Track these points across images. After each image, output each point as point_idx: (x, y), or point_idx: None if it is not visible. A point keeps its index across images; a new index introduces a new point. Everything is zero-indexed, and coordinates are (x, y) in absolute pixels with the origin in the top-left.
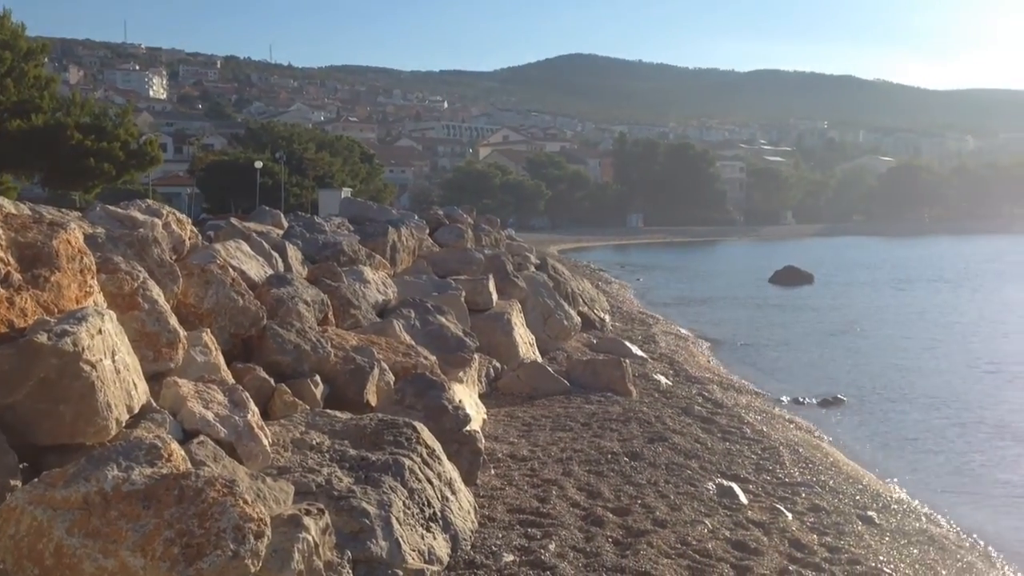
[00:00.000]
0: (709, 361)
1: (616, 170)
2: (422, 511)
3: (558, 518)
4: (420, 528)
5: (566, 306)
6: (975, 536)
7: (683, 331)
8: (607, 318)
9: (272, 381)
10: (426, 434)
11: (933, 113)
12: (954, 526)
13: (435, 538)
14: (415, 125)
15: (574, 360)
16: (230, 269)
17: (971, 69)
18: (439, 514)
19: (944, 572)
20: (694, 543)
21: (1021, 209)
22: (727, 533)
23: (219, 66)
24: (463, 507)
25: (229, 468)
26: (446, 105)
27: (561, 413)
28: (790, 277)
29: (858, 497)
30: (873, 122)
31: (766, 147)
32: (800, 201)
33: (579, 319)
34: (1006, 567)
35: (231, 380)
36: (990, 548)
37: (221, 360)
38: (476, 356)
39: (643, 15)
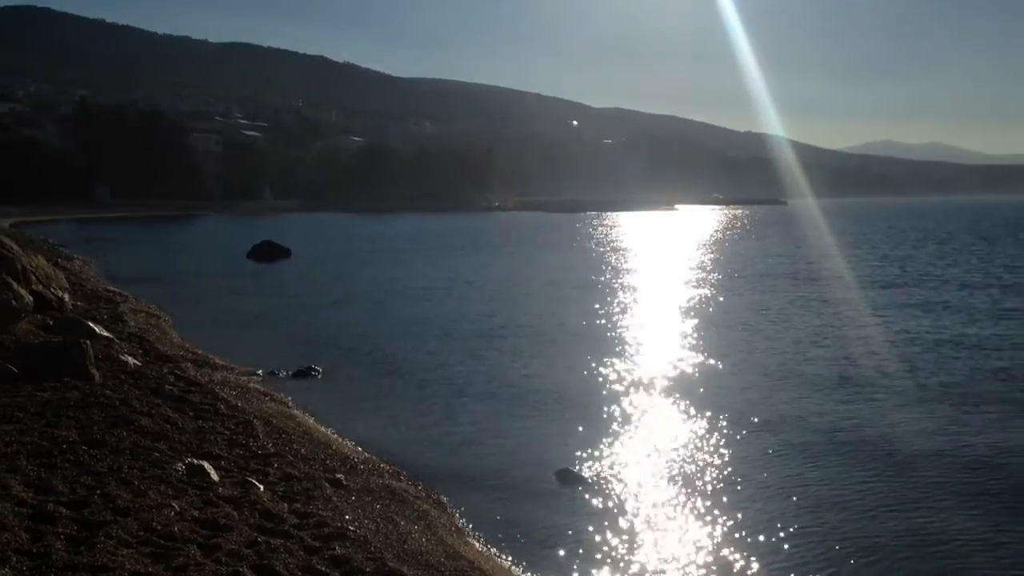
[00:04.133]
0: (183, 339)
1: (78, 138)
2: None
3: None
4: None
5: (15, 285)
6: (430, 485)
7: (154, 309)
8: (66, 297)
9: None
10: None
11: (397, 99)
12: (412, 479)
13: None
14: None
15: (25, 344)
16: None
17: (431, 59)
18: None
19: (403, 522)
20: (159, 528)
21: (475, 191)
22: (196, 513)
23: None
24: None
25: None
26: None
27: (7, 403)
28: (268, 252)
29: (328, 461)
30: (344, 103)
31: (243, 121)
32: (277, 177)
33: (32, 299)
34: (455, 512)
35: None
36: (442, 496)
37: None
38: None
39: None
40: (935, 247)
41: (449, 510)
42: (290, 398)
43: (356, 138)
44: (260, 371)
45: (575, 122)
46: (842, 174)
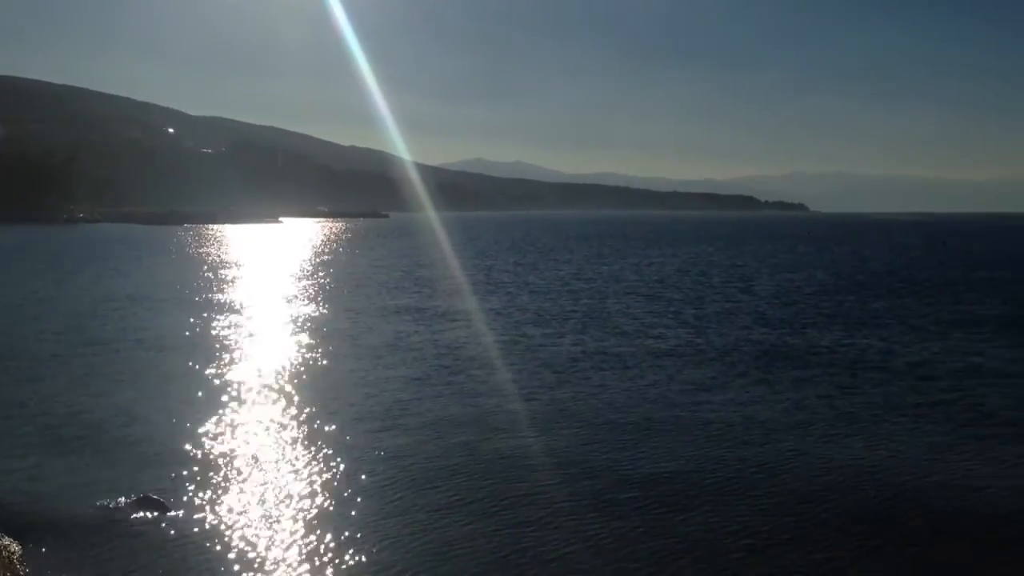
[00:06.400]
0: None
1: None
2: None
3: None
4: None
5: None
6: None
7: None
8: None
9: None
10: None
11: None
12: None
13: None
14: None
15: None
16: None
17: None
18: None
19: None
20: None
21: (56, 200)
22: None
23: None
24: None
25: None
26: None
27: None
28: None
29: None
30: None
31: None
32: None
33: None
34: (24, 568)
35: None
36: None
37: None
38: None
39: None
40: (532, 255)
41: (17, 567)
42: None
43: None
44: None
45: (171, 129)
46: (441, 189)
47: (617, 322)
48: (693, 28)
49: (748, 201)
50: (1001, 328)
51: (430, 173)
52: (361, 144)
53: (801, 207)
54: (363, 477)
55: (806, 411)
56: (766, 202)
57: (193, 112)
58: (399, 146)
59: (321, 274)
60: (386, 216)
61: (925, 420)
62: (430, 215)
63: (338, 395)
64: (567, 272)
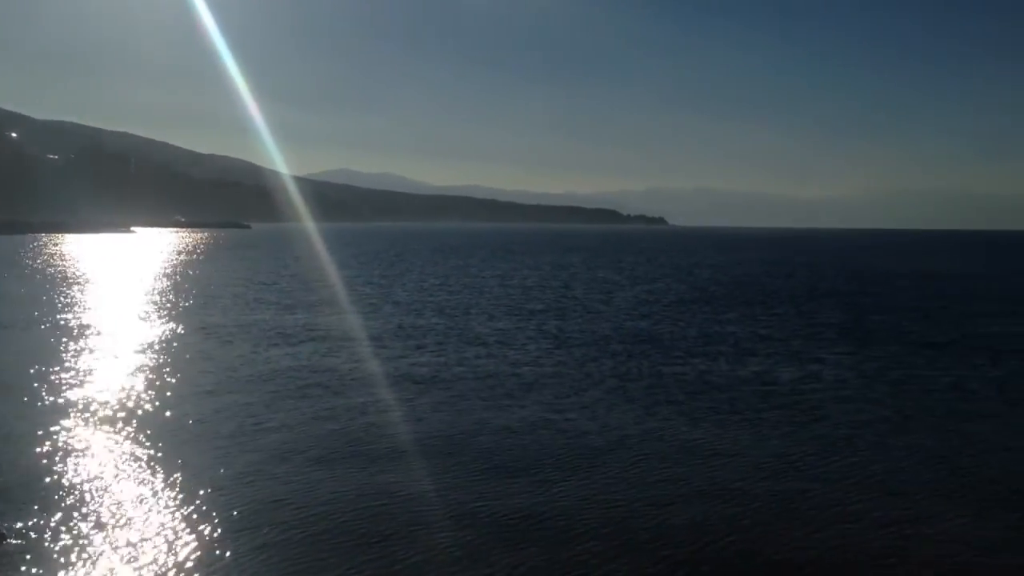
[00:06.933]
0: None
1: None
2: None
3: None
4: None
5: None
6: None
7: None
8: None
9: None
10: None
11: None
12: None
13: None
14: None
15: None
16: None
17: None
18: None
19: None
20: None
21: None
22: None
23: None
24: None
25: None
26: None
27: None
28: None
29: None
30: None
31: None
32: None
33: None
34: None
35: None
36: None
37: None
38: None
39: None
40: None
41: None
42: None
43: None
44: None
45: (14, 134)
46: (306, 199)
47: (479, 334)
48: (556, 42)
49: (611, 215)
50: (839, 335)
51: (295, 183)
52: (222, 152)
53: (662, 221)
54: (210, 499)
55: (656, 418)
56: (629, 216)
57: (39, 116)
58: (263, 154)
59: (170, 288)
60: (248, 227)
61: (765, 424)
62: (294, 226)
63: (186, 415)
64: (432, 284)
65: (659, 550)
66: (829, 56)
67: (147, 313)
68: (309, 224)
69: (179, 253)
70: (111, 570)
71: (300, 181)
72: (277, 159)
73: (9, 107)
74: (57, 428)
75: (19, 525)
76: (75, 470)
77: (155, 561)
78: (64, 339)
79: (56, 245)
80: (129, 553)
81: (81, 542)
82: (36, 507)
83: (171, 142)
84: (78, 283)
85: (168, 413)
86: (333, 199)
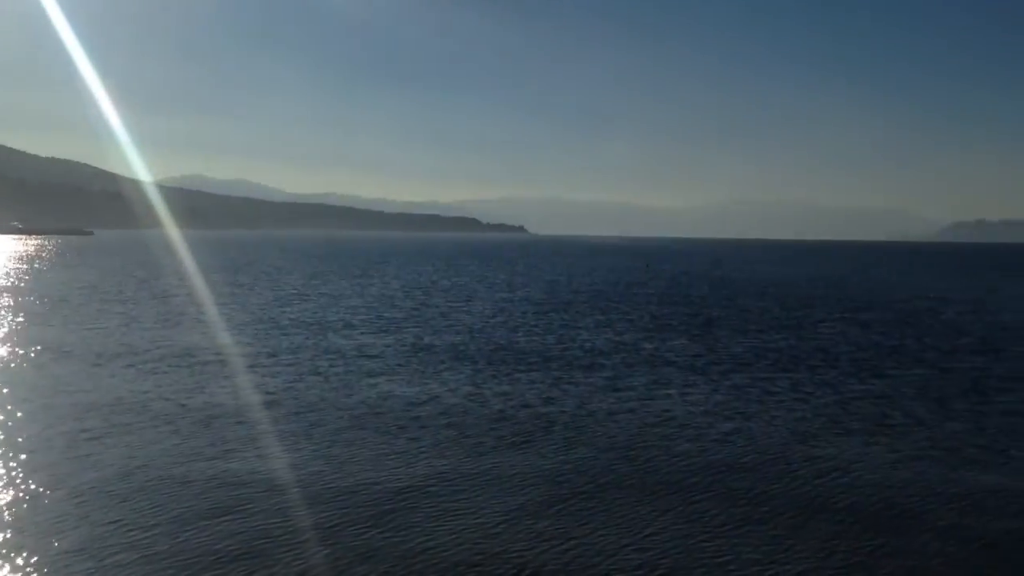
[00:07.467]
0: None
1: None
2: None
3: None
4: None
5: None
6: None
7: None
8: None
9: None
10: None
11: None
12: None
13: None
14: None
15: None
16: None
17: None
18: None
19: None
20: None
21: None
22: None
23: None
24: None
25: None
26: None
27: None
28: None
29: None
30: None
31: None
32: None
33: None
34: None
35: None
36: None
37: None
38: None
39: None
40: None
41: None
42: None
43: None
44: None
45: None
46: (156, 206)
47: (335, 343)
48: (414, 50)
49: (471, 223)
50: (689, 334)
51: (146, 188)
52: (69, 156)
53: (521, 229)
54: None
55: (519, 411)
56: (488, 224)
57: None
58: (108, 158)
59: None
60: (90, 233)
61: (613, 421)
62: (142, 233)
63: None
64: (287, 293)
65: None
66: (688, 69)
67: None
68: (159, 231)
69: (7, 261)
70: None
71: (151, 186)
72: (127, 163)
73: None
74: None
75: None
76: None
77: None
78: None
79: None
80: None
81: None
82: None
83: (8, 144)
84: None
85: None
86: (185, 205)
